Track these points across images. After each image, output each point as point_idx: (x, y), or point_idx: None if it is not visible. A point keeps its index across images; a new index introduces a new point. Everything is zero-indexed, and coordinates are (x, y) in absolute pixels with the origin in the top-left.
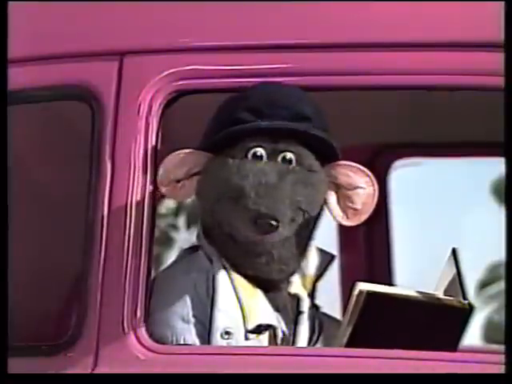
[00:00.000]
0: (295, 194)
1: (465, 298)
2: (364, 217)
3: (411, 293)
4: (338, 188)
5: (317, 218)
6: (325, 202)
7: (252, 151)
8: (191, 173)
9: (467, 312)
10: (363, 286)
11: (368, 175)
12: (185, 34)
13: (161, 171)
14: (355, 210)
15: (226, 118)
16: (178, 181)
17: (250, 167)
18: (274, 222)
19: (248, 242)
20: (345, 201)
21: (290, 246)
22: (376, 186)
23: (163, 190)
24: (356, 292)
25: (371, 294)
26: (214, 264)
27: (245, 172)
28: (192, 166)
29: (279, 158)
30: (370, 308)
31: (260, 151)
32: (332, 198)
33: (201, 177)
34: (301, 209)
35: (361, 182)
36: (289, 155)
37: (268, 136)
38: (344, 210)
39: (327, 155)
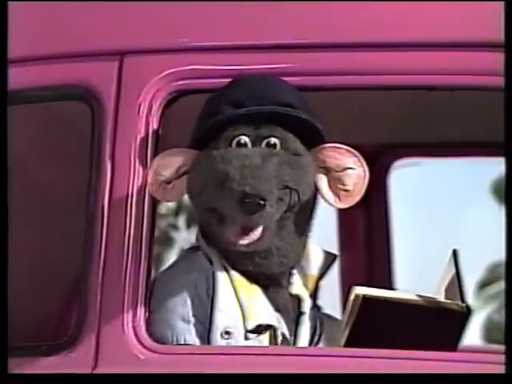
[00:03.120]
0: (281, 173)
1: (463, 300)
2: (356, 198)
3: (408, 296)
4: (327, 171)
5: (312, 206)
6: (316, 188)
7: (236, 140)
8: (180, 172)
9: (465, 315)
10: (359, 290)
11: (356, 155)
12: (185, 33)
13: (150, 174)
14: (347, 191)
15: (208, 113)
16: (169, 182)
17: (233, 153)
18: (260, 201)
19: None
20: (336, 183)
21: (286, 236)
22: (366, 167)
23: (154, 192)
24: (352, 296)
25: (367, 299)
26: (214, 264)
27: (228, 158)
28: (180, 165)
29: (263, 144)
30: (366, 312)
31: (244, 139)
32: (323, 182)
33: (189, 174)
34: (288, 187)
35: (349, 163)
36: (273, 140)
37: (251, 124)
38: (336, 192)
39: (313, 140)
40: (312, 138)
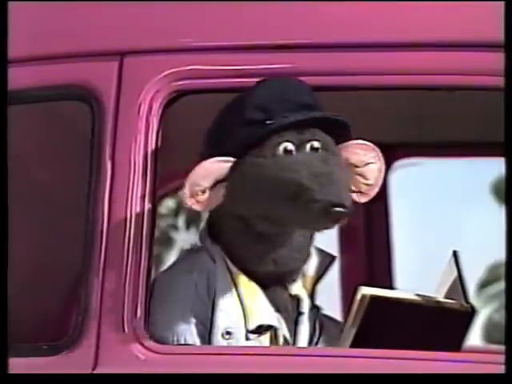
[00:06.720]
0: (344, 177)
1: (466, 300)
2: (376, 190)
3: (413, 296)
4: (350, 167)
5: None
6: None
7: (281, 147)
8: (216, 181)
9: (469, 315)
10: (366, 291)
11: (375, 149)
12: (185, 34)
13: (187, 185)
14: (368, 185)
15: (235, 119)
16: (203, 191)
17: (291, 161)
18: (344, 210)
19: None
20: (358, 178)
21: (297, 238)
22: (383, 160)
23: (190, 202)
24: (359, 296)
25: (374, 299)
26: (217, 264)
27: (289, 166)
28: (218, 174)
29: (307, 148)
30: (372, 312)
31: (289, 145)
32: None
33: (229, 183)
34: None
35: (370, 158)
36: (316, 144)
37: (292, 129)
38: (358, 187)
39: (340, 138)
40: (339, 137)
